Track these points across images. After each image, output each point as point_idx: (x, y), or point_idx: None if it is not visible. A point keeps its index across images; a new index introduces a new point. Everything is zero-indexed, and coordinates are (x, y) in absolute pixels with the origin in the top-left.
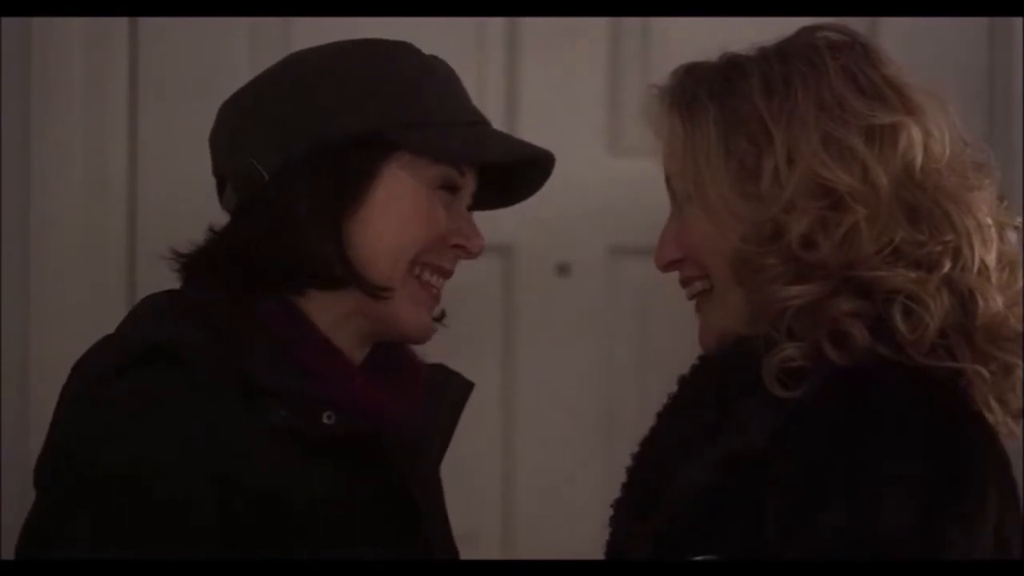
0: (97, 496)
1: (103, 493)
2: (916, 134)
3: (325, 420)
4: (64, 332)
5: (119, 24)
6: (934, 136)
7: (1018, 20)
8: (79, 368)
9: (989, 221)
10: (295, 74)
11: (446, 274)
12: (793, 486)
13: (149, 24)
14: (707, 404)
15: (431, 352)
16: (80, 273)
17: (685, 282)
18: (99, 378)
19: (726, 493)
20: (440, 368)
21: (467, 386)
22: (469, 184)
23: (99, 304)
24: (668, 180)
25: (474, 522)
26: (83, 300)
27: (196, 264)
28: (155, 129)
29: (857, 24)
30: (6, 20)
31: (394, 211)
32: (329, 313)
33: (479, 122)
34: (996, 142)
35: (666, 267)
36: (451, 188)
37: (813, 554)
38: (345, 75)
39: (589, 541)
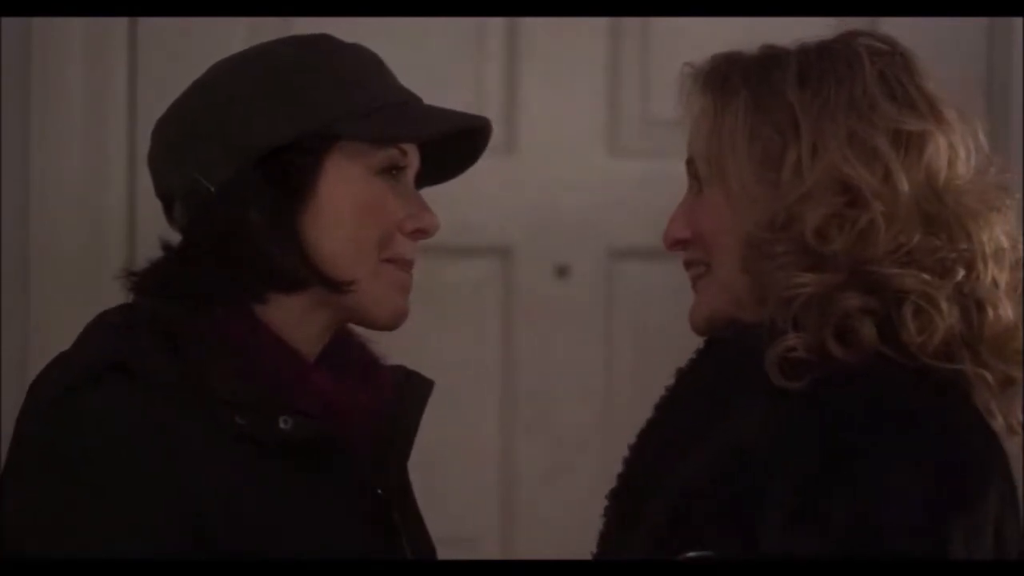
0: (65, 511)
1: (72, 508)
2: (943, 146)
3: (282, 425)
4: (64, 333)
5: (119, 24)
6: (959, 153)
7: (1018, 20)
8: (35, 389)
9: (1005, 242)
10: (226, 84)
11: (408, 266)
12: (796, 480)
13: (149, 24)
14: (704, 395)
15: (430, 352)
16: (80, 273)
17: (689, 263)
18: (57, 399)
19: (723, 486)
20: (399, 368)
21: (427, 384)
22: (413, 163)
23: (99, 304)
24: (689, 162)
25: (474, 522)
26: (83, 300)
27: (151, 279)
28: None
29: (856, 24)
30: (6, 20)
31: (344, 201)
32: (291, 312)
33: (412, 99)
34: (995, 142)
35: (672, 245)
36: (395, 169)
37: (816, 548)
38: (277, 76)
39: (589, 542)
